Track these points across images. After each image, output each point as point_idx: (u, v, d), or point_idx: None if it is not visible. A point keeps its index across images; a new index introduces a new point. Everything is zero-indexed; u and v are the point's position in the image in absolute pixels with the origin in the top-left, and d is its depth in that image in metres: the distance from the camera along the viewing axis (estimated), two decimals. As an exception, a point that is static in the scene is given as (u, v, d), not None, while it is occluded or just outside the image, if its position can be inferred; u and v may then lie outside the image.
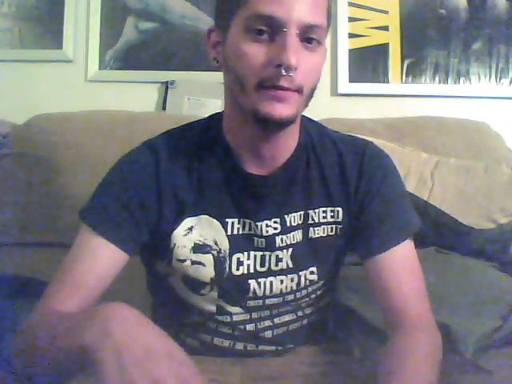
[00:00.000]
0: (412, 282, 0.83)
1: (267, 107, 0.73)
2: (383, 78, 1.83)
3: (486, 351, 0.97)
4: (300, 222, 0.87)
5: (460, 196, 1.43)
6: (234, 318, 0.88)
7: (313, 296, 0.92)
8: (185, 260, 0.84)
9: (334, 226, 0.88)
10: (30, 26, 1.86)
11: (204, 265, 0.85)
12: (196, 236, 0.84)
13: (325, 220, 0.88)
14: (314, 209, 0.87)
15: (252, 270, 0.86)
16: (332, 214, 0.88)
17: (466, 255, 1.30)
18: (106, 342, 0.56)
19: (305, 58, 0.72)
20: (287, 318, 0.92)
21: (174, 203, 0.83)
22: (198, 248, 0.84)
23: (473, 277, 1.17)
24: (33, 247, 1.47)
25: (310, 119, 0.92)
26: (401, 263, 0.84)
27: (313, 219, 0.87)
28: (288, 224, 0.86)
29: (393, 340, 0.79)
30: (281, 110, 0.73)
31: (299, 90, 0.73)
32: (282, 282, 0.87)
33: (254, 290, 0.86)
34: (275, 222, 0.85)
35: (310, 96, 0.77)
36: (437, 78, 1.83)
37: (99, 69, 1.85)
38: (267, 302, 0.88)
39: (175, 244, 0.84)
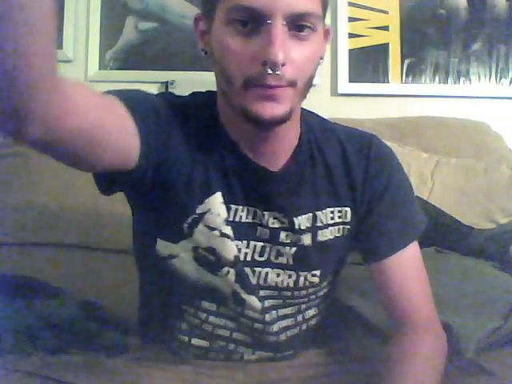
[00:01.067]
0: (418, 283, 0.82)
1: (257, 107, 0.67)
2: (383, 78, 1.82)
3: (486, 351, 0.97)
4: (309, 226, 0.82)
5: (460, 196, 1.43)
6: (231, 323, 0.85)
7: (313, 297, 0.89)
8: (214, 229, 0.77)
9: (341, 227, 0.84)
10: (29, 25, 1.86)
11: (232, 239, 0.79)
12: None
13: (332, 221, 0.83)
14: (321, 210, 0.82)
15: (249, 259, 0.81)
16: (340, 214, 0.83)
17: (466, 255, 1.30)
18: None
19: (296, 49, 0.66)
20: (285, 323, 0.88)
21: (203, 171, 0.77)
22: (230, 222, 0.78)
23: (473, 277, 1.17)
24: (33, 247, 1.46)
25: (311, 112, 0.86)
26: (408, 265, 0.82)
27: (321, 221, 0.82)
28: (296, 226, 0.81)
29: (398, 341, 0.78)
30: (272, 110, 0.66)
31: (292, 84, 0.67)
32: (278, 275, 0.83)
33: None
34: (282, 223, 0.81)
35: (308, 87, 0.71)
36: (437, 78, 1.82)
37: (99, 69, 1.85)
38: (261, 293, 0.83)
39: (210, 209, 0.76)
